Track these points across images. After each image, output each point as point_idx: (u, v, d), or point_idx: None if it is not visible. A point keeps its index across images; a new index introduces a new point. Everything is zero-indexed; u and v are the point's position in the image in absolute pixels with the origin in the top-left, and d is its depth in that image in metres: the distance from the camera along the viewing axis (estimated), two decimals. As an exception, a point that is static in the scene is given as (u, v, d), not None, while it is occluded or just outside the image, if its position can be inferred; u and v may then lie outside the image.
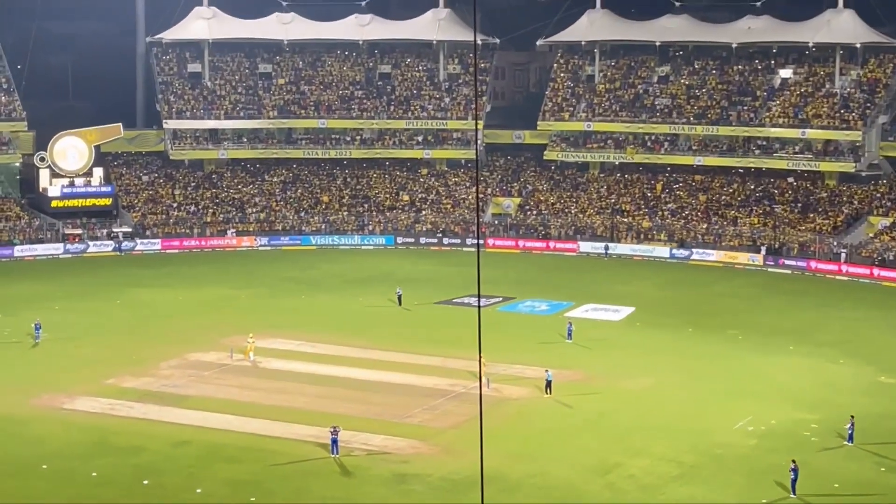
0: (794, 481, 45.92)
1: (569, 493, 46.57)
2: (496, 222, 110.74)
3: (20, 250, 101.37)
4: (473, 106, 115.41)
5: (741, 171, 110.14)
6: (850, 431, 51.97)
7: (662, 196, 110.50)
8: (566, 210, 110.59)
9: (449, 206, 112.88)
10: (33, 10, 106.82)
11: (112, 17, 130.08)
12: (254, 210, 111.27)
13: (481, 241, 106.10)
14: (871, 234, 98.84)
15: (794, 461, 46.48)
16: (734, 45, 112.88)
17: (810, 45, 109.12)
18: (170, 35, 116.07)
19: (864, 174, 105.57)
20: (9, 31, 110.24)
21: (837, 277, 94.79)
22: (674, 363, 66.65)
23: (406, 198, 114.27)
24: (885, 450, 51.32)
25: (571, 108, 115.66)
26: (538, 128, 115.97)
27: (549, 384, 59.73)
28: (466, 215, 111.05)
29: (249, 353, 66.31)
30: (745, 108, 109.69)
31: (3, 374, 63.55)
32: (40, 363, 65.88)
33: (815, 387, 62.02)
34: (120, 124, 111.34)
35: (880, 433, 53.17)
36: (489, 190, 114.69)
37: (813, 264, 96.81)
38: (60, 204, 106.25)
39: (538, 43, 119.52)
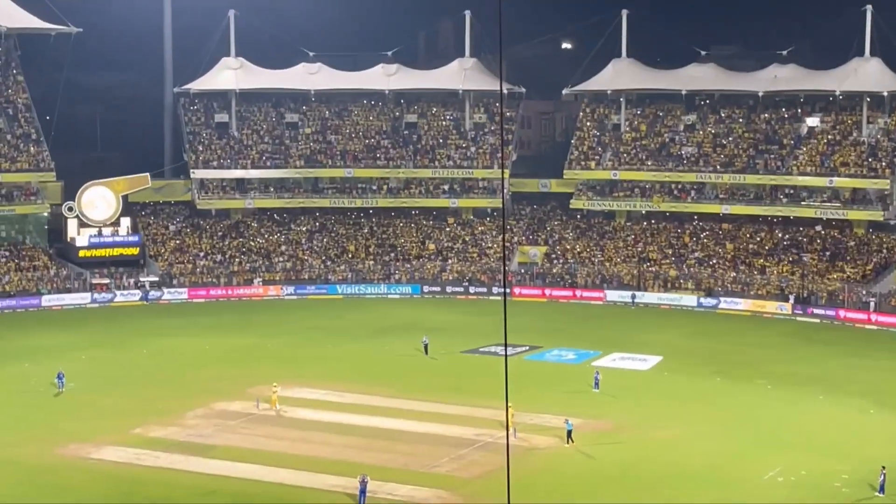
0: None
1: (597, 545, 46.14)
2: (522, 271, 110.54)
3: (48, 300, 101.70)
4: (500, 155, 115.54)
5: (769, 219, 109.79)
6: (881, 482, 51.35)
7: (689, 244, 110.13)
8: (592, 259, 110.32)
9: (475, 255, 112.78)
10: (62, 61, 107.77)
11: (140, 68, 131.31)
12: (280, 259, 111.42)
13: (507, 290, 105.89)
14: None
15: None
16: (761, 94, 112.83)
17: (837, 93, 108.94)
18: (197, 85, 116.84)
19: (892, 223, 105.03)
20: (38, 82, 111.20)
21: (867, 327, 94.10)
22: (702, 413, 66.14)
23: (432, 247, 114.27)
24: (918, 501, 50.72)
25: (597, 157, 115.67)
26: (564, 176, 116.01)
27: (569, 434, 59.36)
28: (493, 264, 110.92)
29: (276, 402, 66.17)
30: (773, 156, 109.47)
31: (29, 424, 63.55)
32: (67, 412, 65.84)
33: (845, 437, 61.41)
34: (147, 174, 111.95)
35: (913, 484, 52.50)
36: (515, 239, 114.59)
37: (842, 313, 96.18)
38: (88, 253, 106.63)
39: (564, 92, 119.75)
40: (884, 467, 51.84)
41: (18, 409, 66.89)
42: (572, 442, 59.04)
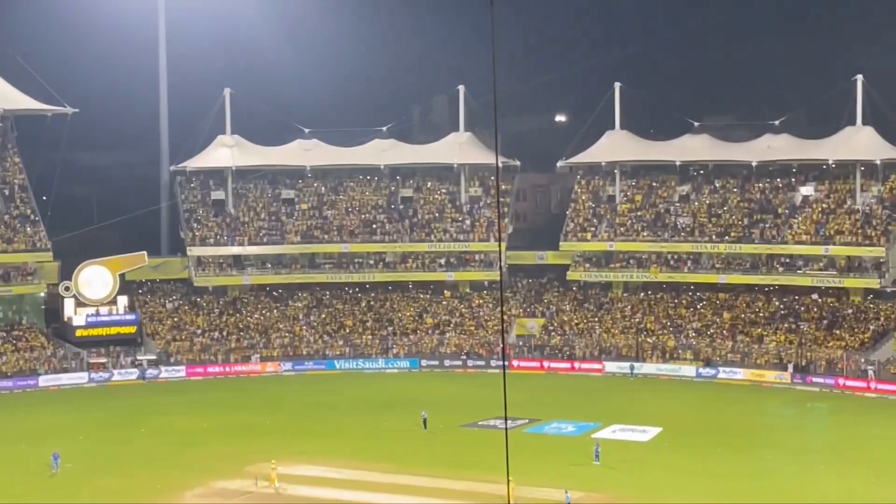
0: None
1: None
2: (520, 343, 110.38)
3: (45, 380, 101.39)
4: (496, 228, 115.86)
5: (765, 288, 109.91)
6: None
7: (687, 314, 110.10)
8: (590, 330, 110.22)
9: (473, 328, 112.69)
10: (59, 142, 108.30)
11: (136, 147, 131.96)
12: (278, 335, 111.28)
13: (506, 363, 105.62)
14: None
15: None
16: (754, 164, 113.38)
17: (830, 162, 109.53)
18: (193, 163, 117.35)
19: (889, 290, 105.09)
20: (35, 163, 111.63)
21: (866, 395, 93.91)
22: (703, 484, 65.77)
23: (430, 320, 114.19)
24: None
25: (593, 229, 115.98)
26: (560, 248, 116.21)
27: (570, 506, 59.15)
28: (490, 337, 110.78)
29: (275, 480, 65.80)
30: (768, 225, 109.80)
31: (27, 506, 63.15)
32: (65, 495, 65.28)
33: (849, 506, 61.11)
34: (144, 252, 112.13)
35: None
36: (513, 311, 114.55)
37: (841, 381, 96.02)
38: (85, 333, 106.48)
39: (559, 164, 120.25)
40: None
41: (16, 490, 66.35)
42: (571, 515, 58.77)
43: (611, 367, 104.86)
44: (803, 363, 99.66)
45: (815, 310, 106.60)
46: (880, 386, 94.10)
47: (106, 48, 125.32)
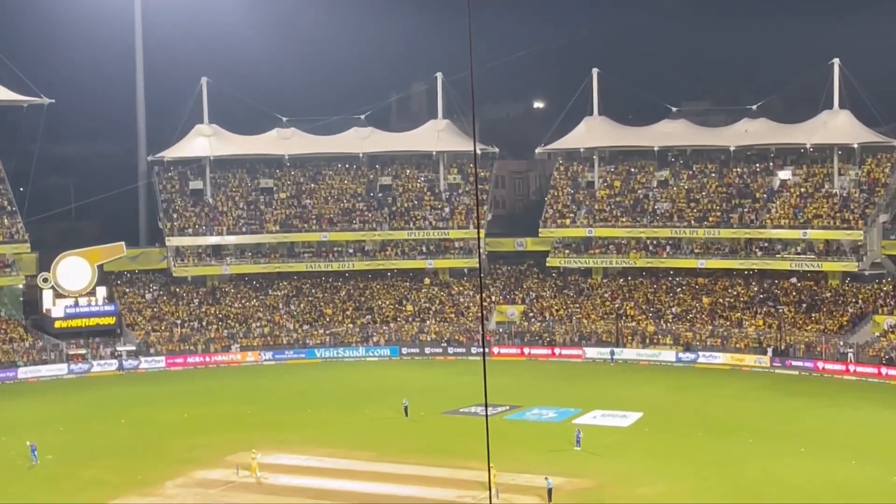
0: None
1: None
2: (501, 330, 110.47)
3: (24, 372, 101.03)
4: (475, 215, 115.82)
5: (744, 272, 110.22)
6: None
7: (666, 300, 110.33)
8: (570, 316, 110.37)
9: (453, 316, 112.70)
10: (35, 133, 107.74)
11: (114, 137, 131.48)
12: (258, 324, 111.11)
13: (486, 350, 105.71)
14: (877, 333, 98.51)
15: None
16: (732, 149, 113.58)
17: (808, 146, 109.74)
18: (171, 153, 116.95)
19: (867, 273, 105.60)
20: (11, 154, 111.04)
21: (845, 377, 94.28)
22: (684, 468, 65.98)
23: (410, 308, 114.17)
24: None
25: (572, 215, 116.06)
26: (540, 235, 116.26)
27: (549, 492, 59.13)
28: (471, 324, 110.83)
29: (256, 469, 65.78)
30: (746, 210, 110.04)
31: (8, 498, 62.91)
32: (45, 486, 65.20)
33: (828, 489, 61.31)
34: (122, 243, 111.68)
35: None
36: (493, 298, 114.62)
37: (820, 364, 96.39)
38: (64, 324, 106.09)
39: (537, 151, 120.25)
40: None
41: (-4, 483, 66.29)
42: (551, 500, 58.79)
43: (591, 352, 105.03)
44: (782, 347, 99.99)
45: (794, 293, 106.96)
46: (859, 368, 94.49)
47: (82, 38, 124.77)
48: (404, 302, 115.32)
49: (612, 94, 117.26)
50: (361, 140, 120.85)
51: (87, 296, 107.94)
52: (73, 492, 63.41)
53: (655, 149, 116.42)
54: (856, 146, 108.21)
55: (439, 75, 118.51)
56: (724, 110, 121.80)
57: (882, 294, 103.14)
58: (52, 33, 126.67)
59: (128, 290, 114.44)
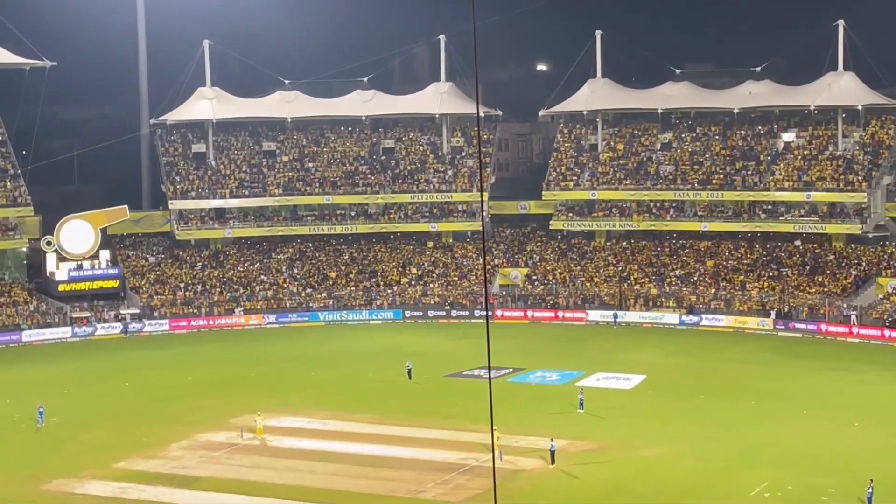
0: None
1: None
2: (504, 293, 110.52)
3: (28, 335, 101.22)
4: (478, 178, 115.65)
5: (748, 235, 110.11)
6: (869, 495, 51.29)
7: (670, 262, 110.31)
8: (573, 279, 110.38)
9: (456, 279, 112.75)
10: (37, 95, 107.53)
11: (116, 100, 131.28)
12: (261, 288, 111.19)
13: (490, 313, 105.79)
14: (880, 296, 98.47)
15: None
16: (736, 111, 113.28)
17: (812, 108, 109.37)
18: (174, 116, 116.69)
19: (870, 235, 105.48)
20: (14, 116, 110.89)
21: (848, 340, 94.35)
22: (687, 431, 66.13)
23: (413, 271, 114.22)
24: (906, 513, 50.74)
25: (575, 178, 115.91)
26: (543, 198, 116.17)
27: (552, 454, 59.32)
28: (474, 287, 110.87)
29: (261, 431, 66.05)
30: (750, 172, 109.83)
31: (13, 460, 63.21)
32: (50, 448, 65.49)
33: (831, 451, 61.46)
34: (126, 206, 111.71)
35: (899, 496, 52.48)
36: (496, 261, 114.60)
37: (823, 327, 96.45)
38: (68, 287, 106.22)
39: (540, 114, 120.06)
40: (871, 480, 51.75)
41: (1, 445, 66.47)
42: (554, 463, 58.99)
43: (594, 315, 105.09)
44: (786, 309, 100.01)
45: (798, 256, 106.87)
46: (862, 331, 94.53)
47: (83, 0, 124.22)
48: (407, 265, 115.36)
49: (616, 56, 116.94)
50: (364, 103, 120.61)
51: (91, 259, 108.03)
52: (77, 454, 63.67)
53: (659, 111, 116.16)
54: (860, 108, 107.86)
55: (442, 37, 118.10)
56: (727, 72, 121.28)
57: (886, 256, 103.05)
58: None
59: (131, 253, 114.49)
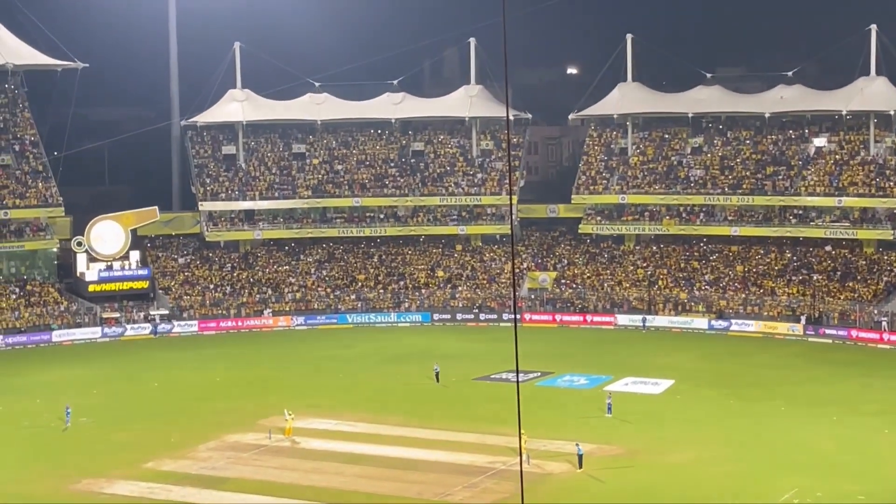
0: None
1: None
2: (532, 297, 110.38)
3: (58, 335, 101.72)
4: (507, 181, 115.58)
5: (778, 240, 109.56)
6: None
7: (699, 267, 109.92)
8: (602, 283, 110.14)
9: (485, 282, 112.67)
10: (69, 97, 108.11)
11: (147, 102, 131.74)
12: (290, 290, 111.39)
13: (518, 316, 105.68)
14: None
15: None
16: (767, 115, 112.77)
17: (844, 112, 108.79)
18: (204, 118, 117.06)
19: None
20: (46, 118, 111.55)
21: (879, 346, 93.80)
22: (716, 436, 65.88)
23: (441, 274, 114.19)
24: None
25: (605, 181, 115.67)
26: (572, 201, 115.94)
27: (580, 459, 59.18)
28: (502, 290, 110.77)
29: (290, 431, 66.26)
30: (780, 177, 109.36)
31: (42, 460, 63.53)
32: (79, 448, 65.76)
33: (861, 458, 61.10)
34: (156, 207, 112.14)
35: (930, 504, 52.10)
36: (525, 264, 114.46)
37: (854, 333, 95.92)
38: (98, 288, 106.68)
39: (570, 117, 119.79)
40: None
41: (31, 445, 66.85)
42: (581, 467, 58.86)
43: (623, 319, 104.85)
44: (816, 315, 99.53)
45: (828, 261, 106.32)
46: (893, 337, 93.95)
47: (115, 2, 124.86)
48: (436, 268, 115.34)
49: (647, 59, 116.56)
50: (394, 105, 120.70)
51: (121, 260, 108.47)
52: (106, 454, 63.92)
53: (689, 115, 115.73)
54: (892, 113, 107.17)
55: (472, 40, 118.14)
56: (759, 76, 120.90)
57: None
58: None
59: (161, 254, 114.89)
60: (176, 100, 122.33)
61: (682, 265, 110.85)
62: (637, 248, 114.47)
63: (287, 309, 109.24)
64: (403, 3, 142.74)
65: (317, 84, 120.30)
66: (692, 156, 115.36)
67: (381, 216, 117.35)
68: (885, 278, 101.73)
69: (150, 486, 58.00)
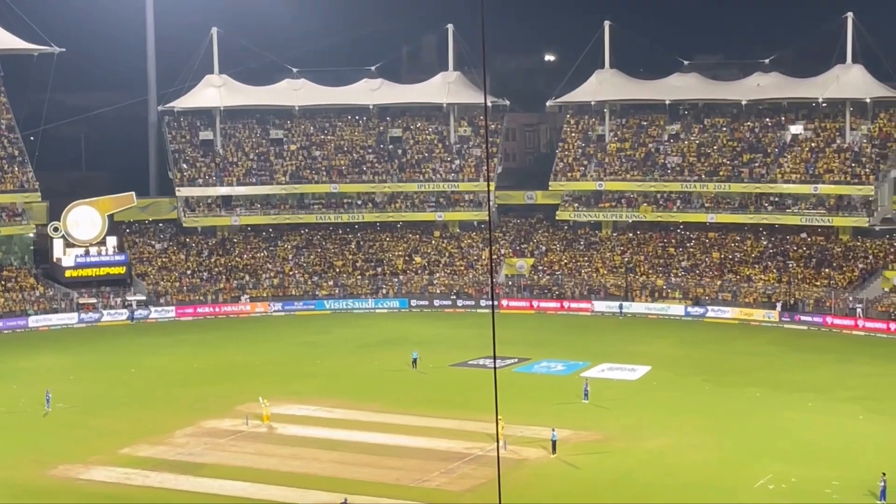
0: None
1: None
2: (510, 283, 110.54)
3: (35, 320, 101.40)
4: (485, 167, 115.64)
5: (754, 227, 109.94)
6: (882, 489, 51.11)
7: (676, 254, 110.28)
8: (579, 269, 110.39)
9: (462, 268, 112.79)
10: (45, 81, 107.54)
11: (124, 87, 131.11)
12: (267, 276, 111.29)
13: (495, 303, 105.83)
14: (886, 289, 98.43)
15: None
16: (744, 102, 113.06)
17: (820, 100, 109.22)
18: (181, 103, 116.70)
19: (877, 228, 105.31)
20: (22, 103, 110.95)
21: (854, 332, 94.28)
22: (692, 422, 66.19)
23: (419, 260, 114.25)
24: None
25: (583, 168, 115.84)
26: (550, 188, 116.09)
27: (554, 444, 59.46)
28: (480, 277, 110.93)
29: (267, 418, 66.29)
30: (757, 164, 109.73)
31: (19, 445, 63.47)
32: (56, 433, 65.68)
33: (836, 443, 61.53)
34: (133, 193, 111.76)
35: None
36: (502, 251, 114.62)
37: (829, 320, 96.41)
38: (74, 273, 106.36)
39: (548, 104, 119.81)
40: (884, 474, 51.52)
41: (8, 430, 66.68)
42: (555, 452, 59.12)
43: (600, 306, 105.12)
44: (791, 302, 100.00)
45: (804, 248, 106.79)
46: (868, 324, 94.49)
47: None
48: (414, 254, 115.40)
49: (624, 46, 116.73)
50: (372, 91, 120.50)
51: (98, 245, 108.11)
52: (83, 440, 63.86)
53: (667, 102, 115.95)
54: (868, 101, 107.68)
55: (450, 27, 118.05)
56: (736, 64, 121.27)
57: (892, 249, 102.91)
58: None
59: (138, 240, 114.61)
60: (153, 85, 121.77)
61: (659, 252, 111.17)
62: (614, 234, 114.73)
63: (264, 295, 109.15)
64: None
65: (294, 70, 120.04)
66: (669, 143, 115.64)
67: (359, 202, 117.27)
68: (859, 265, 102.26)
69: (126, 471, 57.98)
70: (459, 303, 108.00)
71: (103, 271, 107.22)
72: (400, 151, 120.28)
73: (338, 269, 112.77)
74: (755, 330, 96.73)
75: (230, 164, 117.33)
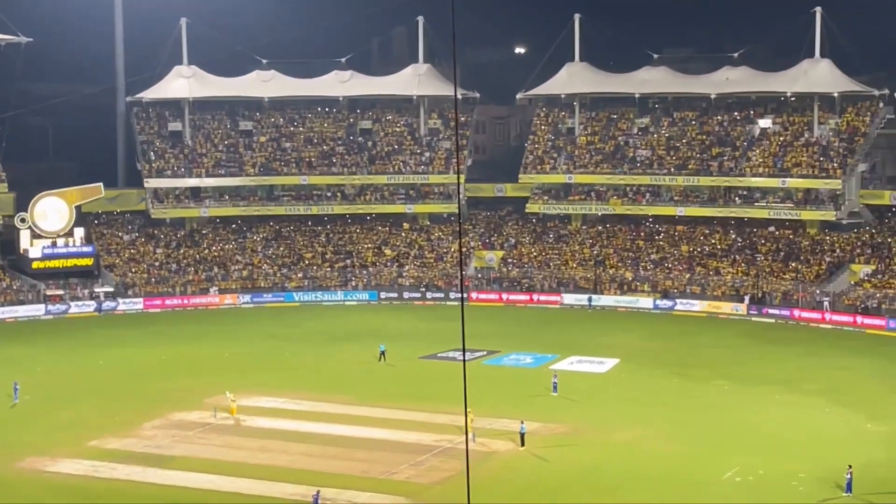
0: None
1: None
2: (479, 276, 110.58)
3: (1, 312, 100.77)
4: (455, 160, 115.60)
5: (723, 220, 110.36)
6: (848, 481, 51.48)
7: (645, 247, 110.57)
8: (549, 262, 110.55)
9: (432, 261, 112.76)
10: (12, 72, 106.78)
11: (92, 77, 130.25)
12: (236, 267, 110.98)
13: (465, 295, 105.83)
14: (853, 282, 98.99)
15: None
16: (713, 96, 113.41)
17: (788, 94, 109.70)
18: (150, 94, 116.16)
19: (844, 222, 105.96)
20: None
21: (821, 326, 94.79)
22: (660, 414, 66.42)
23: (389, 253, 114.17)
24: (883, 499, 50.99)
25: (552, 161, 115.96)
26: (519, 181, 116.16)
27: (522, 437, 59.58)
28: (449, 269, 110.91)
29: (235, 411, 66.08)
30: (726, 158, 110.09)
31: (-16, 438, 63.08)
32: (23, 425, 65.32)
33: (803, 436, 61.84)
34: (101, 184, 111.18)
35: (873, 482, 52.62)
36: (472, 243, 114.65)
37: (796, 313, 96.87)
38: (41, 265, 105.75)
39: (518, 96, 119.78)
40: (850, 466, 51.90)
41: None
42: (523, 445, 59.24)
43: (569, 299, 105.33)
44: (759, 295, 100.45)
45: (772, 242, 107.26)
46: (835, 317, 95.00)
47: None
48: (383, 246, 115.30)
49: (594, 40, 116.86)
50: (342, 83, 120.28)
51: (65, 237, 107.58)
52: (50, 432, 63.54)
53: (636, 96, 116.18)
54: (836, 95, 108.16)
55: (420, 19, 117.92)
56: (705, 58, 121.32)
57: (859, 243, 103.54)
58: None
59: (106, 231, 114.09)
60: (121, 76, 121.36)
61: (628, 245, 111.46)
62: (583, 227, 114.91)
63: (233, 287, 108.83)
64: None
65: (264, 61, 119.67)
66: (639, 136, 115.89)
67: (329, 194, 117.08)
68: (827, 259, 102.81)
69: (94, 464, 57.74)
70: (429, 295, 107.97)
71: (71, 263, 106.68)
72: (370, 144, 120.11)
73: (307, 261, 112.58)
74: (723, 323, 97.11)
75: (199, 155, 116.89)
